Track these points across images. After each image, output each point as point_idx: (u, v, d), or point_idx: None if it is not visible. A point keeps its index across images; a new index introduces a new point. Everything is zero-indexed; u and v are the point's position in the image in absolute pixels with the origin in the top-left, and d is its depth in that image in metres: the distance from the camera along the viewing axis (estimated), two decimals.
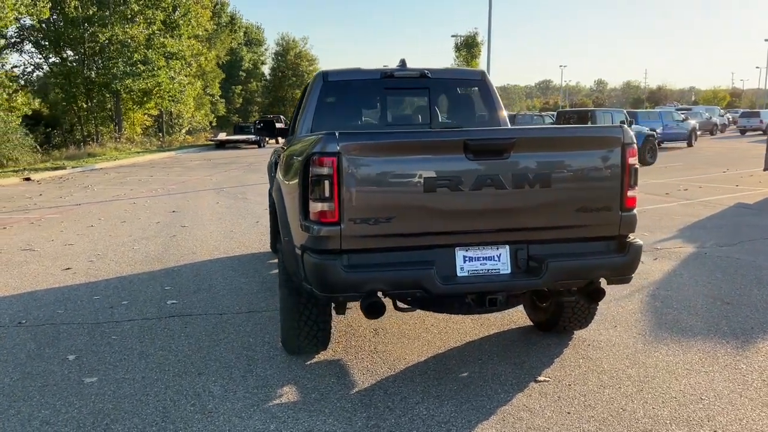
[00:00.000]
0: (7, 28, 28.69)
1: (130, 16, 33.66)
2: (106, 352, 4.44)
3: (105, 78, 32.99)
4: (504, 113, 5.26)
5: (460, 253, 3.52)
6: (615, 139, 3.56)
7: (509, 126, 5.31)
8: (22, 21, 32.49)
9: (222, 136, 39.03)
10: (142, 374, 4.04)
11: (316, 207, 3.34)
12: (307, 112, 5.02)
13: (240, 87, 58.14)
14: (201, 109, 45.02)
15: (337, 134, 3.28)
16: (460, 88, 5.36)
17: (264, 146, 35.47)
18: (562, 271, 3.53)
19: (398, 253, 3.46)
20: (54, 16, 33.08)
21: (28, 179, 19.28)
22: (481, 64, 43.98)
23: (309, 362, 4.20)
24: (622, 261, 3.62)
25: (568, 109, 32.99)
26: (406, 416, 3.41)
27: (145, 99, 35.18)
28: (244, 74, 59.35)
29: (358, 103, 5.27)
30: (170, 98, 35.82)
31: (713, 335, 4.57)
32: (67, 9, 31.94)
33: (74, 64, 34.30)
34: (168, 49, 34.54)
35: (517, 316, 5.00)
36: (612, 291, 5.54)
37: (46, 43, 34.30)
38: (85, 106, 35.17)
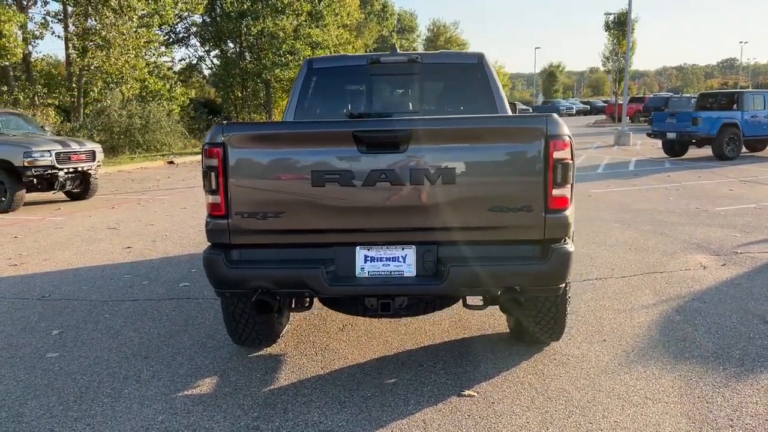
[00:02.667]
0: (168, 25, 31.56)
1: (280, 8, 35.46)
2: (87, 329, 4.73)
3: (257, 68, 35.14)
4: (504, 100, 4.81)
5: (361, 253, 3.29)
6: (535, 130, 3.11)
7: (509, 113, 4.85)
8: (187, 18, 35.64)
9: None
10: (97, 353, 4.25)
11: (207, 199, 3.29)
12: (291, 101, 4.94)
13: None
14: None
15: (224, 124, 3.19)
16: (454, 74, 4.97)
17: None
18: (466, 276, 3.17)
19: (291, 251, 3.31)
20: (217, 10, 35.82)
21: (171, 163, 21.13)
22: (634, 42, 40.95)
23: (251, 355, 4.16)
24: (541, 269, 3.17)
25: (714, 90, 29.50)
26: (293, 420, 3.26)
27: (290, 87, 36.91)
28: None
29: (343, 90, 5.10)
30: None
31: (713, 360, 3.87)
32: (224, 4, 34.38)
33: (233, 56, 36.90)
34: (313, 39, 35.92)
35: (502, 321, 4.59)
36: (634, 299, 4.96)
37: (209, 37, 37.25)
38: (240, 95, 37.74)
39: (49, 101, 24.80)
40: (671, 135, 17.19)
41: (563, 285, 3.27)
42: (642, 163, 16.87)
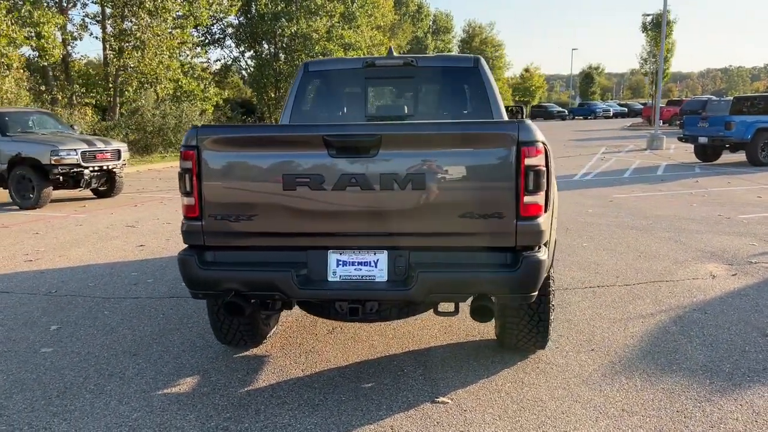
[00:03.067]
0: (203, 26, 32.09)
1: (313, 10, 35.75)
2: (84, 326, 4.84)
3: (290, 69, 35.47)
4: (500, 104, 4.76)
5: (333, 257, 3.29)
6: (506, 136, 3.07)
7: (504, 119, 4.79)
8: (222, 20, 36.18)
9: None
10: (89, 350, 4.35)
11: (182, 201, 3.34)
12: (287, 104, 4.97)
13: None
14: None
15: (198, 127, 3.24)
16: (450, 77, 4.93)
17: None
18: (434, 283, 3.15)
19: (264, 253, 3.33)
20: (252, 12, 36.30)
21: None
22: (673, 43, 40.04)
23: (237, 355, 4.21)
24: (511, 277, 3.13)
25: (749, 94, 28.50)
26: (263, 422, 3.29)
27: None
28: None
29: (339, 94, 5.10)
30: None
31: (701, 374, 3.77)
32: (258, 5, 34.81)
33: (267, 57, 37.35)
34: (346, 40, 36.10)
35: (490, 328, 4.54)
36: (632, 308, 4.87)
37: (244, 38, 37.77)
38: (273, 95, 38.14)
39: (87, 100, 25.46)
40: (703, 139, 16.77)
41: (535, 293, 3.22)
42: (672, 168, 16.50)
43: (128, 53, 24.68)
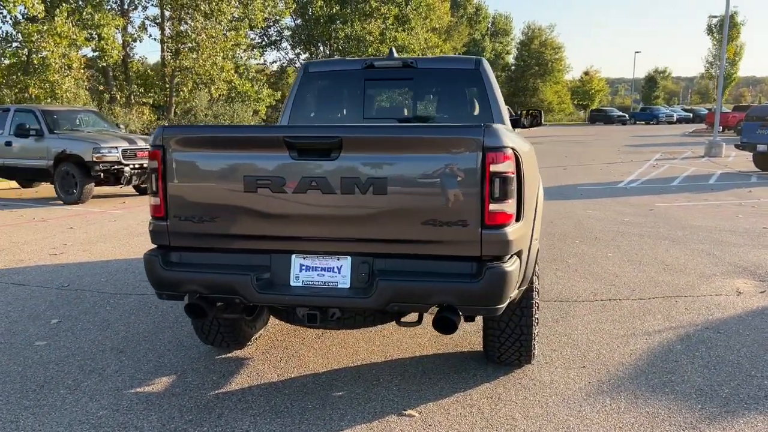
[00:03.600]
0: (259, 29, 32.66)
1: (368, 12, 35.94)
2: (84, 320, 4.93)
3: None
4: (501, 107, 4.59)
5: (297, 261, 3.22)
6: (471, 141, 2.93)
7: (507, 123, 4.61)
8: (278, 22, 36.79)
9: None
10: (80, 344, 4.42)
11: (150, 201, 3.34)
12: (286, 105, 4.93)
13: None
14: None
15: (165, 126, 3.23)
16: (450, 79, 4.78)
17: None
18: (394, 291, 3.03)
19: (228, 256, 3.29)
20: (309, 14, 36.78)
21: None
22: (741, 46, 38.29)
23: (219, 356, 4.19)
24: (473, 288, 2.98)
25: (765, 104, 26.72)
26: (222, 427, 3.24)
27: None
28: None
29: (338, 95, 5.02)
30: None
31: (695, 398, 3.52)
32: (314, 8, 35.23)
33: (323, 59, 37.76)
34: (399, 42, 36.11)
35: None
36: (640, 324, 4.65)
37: (299, 40, 38.31)
38: None
39: (144, 100, 26.30)
40: (762, 147, 15.91)
41: (501, 306, 3.06)
42: (726, 176, 15.74)
43: (184, 54, 25.38)
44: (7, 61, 20.70)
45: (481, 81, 4.62)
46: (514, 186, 3.01)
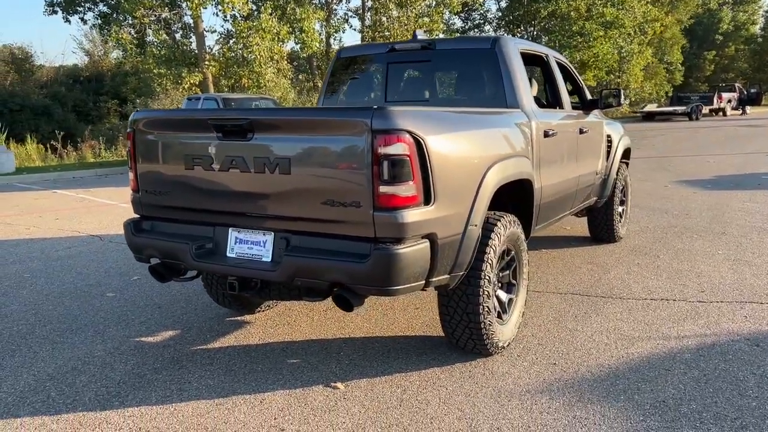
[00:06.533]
0: (453, 13, 32.90)
1: None
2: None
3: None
4: (519, 88, 4.35)
5: (233, 234, 3.53)
6: (360, 124, 2.97)
7: (525, 103, 4.34)
8: (484, 4, 36.70)
9: (651, 107, 36.36)
10: (139, 299, 5.17)
11: (129, 176, 3.87)
12: (321, 90, 5.19)
13: (713, 52, 52.45)
14: (652, 79, 42.68)
15: (137, 110, 3.73)
16: (466, 60, 4.62)
17: (698, 118, 31.89)
18: (296, 267, 3.19)
19: (183, 226, 3.69)
20: None
21: None
22: None
23: (228, 318, 4.65)
24: (360, 268, 3.02)
25: None
26: (176, 374, 3.67)
27: (580, 70, 35.46)
28: (721, 38, 53.12)
29: (365, 79, 5.11)
30: (606, 69, 35.24)
31: (647, 408, 3.15)
32: None
33: (528, 40, 36.97)
34: (606, 18, 33.87)
35: None
36: (666, 328, 4.33)
37: (503, 23, 37.87)
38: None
39: None
40: None
41: (393, 288, 3.05)
42: None
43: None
44: (226, 56, 23.57)
45: (496, 61, 4.43)
46: (410, 169, 2.98)
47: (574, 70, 6.00)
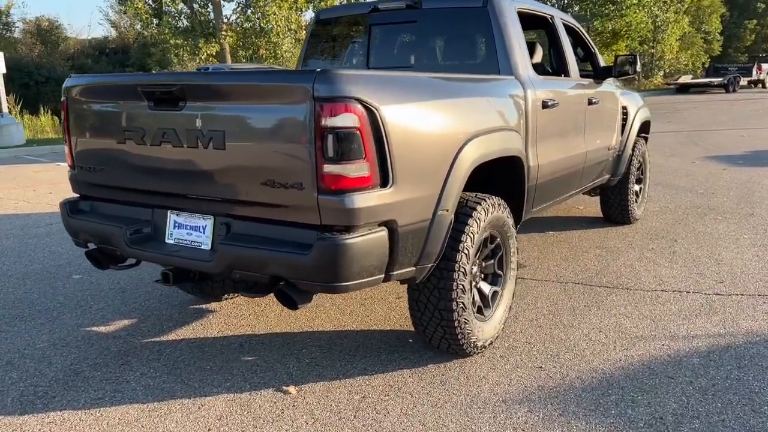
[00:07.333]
0: None
1: None
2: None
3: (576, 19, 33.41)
4: (514, 52, 3.82)
5: (172, 218, 3.11)
6: (299, 90, 2.50)
7: (522, 69, 3.81)
8: None
9: (685, 78, 34.89)
10: (103, 281, 4.83)
11: (65, 151, 3.47)
12: (299, 58, 4.70)
13: (754, 21, 50.19)
14: (688, 50, 41.05)
15: (70, 76, 3.31)
16: (454, 21, 4.08)
17: (735, 90, 30.51)
18: (232, 257, 2.77)
19: (123, 207, 3.29)
20: None
21: None
22: None
23: (192, 306, 4.27)
24: (301, 261, 2.58)
25: None
26: (115, 373, 3.31)
27: (611, 40, 34.20)
28: (763, 5, 50.75)
29: (347, 43, 4.61)
30: (639, 39, 33.92)
31: (641, 426, 2.69)
32: None
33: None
34: None
35: None
36: (675, 325, 3.83)
37: None
38: None
39: None
40: None
41: (341, 284, 2.60)
42: None
43: None
44: (243, 26, 23.09)
45: (488, 21, 3.89)
46: (361, 144, 2.52)
47: (585, 33, 5.42)
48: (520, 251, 5.27)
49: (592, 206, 6.84)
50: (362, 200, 2.55)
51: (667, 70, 41.04)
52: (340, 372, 3.27)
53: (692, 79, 35.05)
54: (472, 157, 3.08)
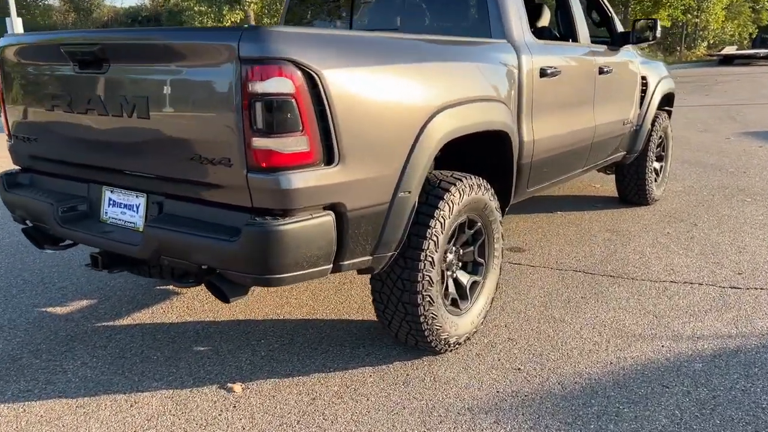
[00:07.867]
0: None
1: None
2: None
3: None
4: (509, 16, 3.38)
5: (107, 195, 2.81)
6: (223, 49, 2.15)
7: (512, 34, 3.37)
8: None
9: (729, 49, 33.30)
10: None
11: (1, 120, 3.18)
12: (280, 23, 4.32)
13: None
14: (734, 19, 39.22)
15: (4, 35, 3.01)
16: None
17: None
18: (158, 241, 2.46)
19: (61, 182, 2.99)
20: None
21: None
22: None
23: (158, 288, 4.00)
24: (228, 249, 2.26)
25: None
26: (58, 359, 3.06)
27: (652, 9, 32.80)
28: None
29: (330, 5, 4.20)
30: (683, 8, 32.47)
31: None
32: None
33: None
34: None
35: None
36: (681, 324, 3.41)
37: None
38: None
39: None
40: None
41: (272, 276, 2.27)
42: None
43: None
44: None
45: None
46: (298, 115, 2.16)
47: None
48: (521, 233, 4.87)
49: (610, 184, 6.35)
50: (300, 180, 2.21)
51: (712, 41, 39.29)
52: (295, 368, 2.96)
53: (737, 50, 33.46)
54: (442, 130, 2.69)
